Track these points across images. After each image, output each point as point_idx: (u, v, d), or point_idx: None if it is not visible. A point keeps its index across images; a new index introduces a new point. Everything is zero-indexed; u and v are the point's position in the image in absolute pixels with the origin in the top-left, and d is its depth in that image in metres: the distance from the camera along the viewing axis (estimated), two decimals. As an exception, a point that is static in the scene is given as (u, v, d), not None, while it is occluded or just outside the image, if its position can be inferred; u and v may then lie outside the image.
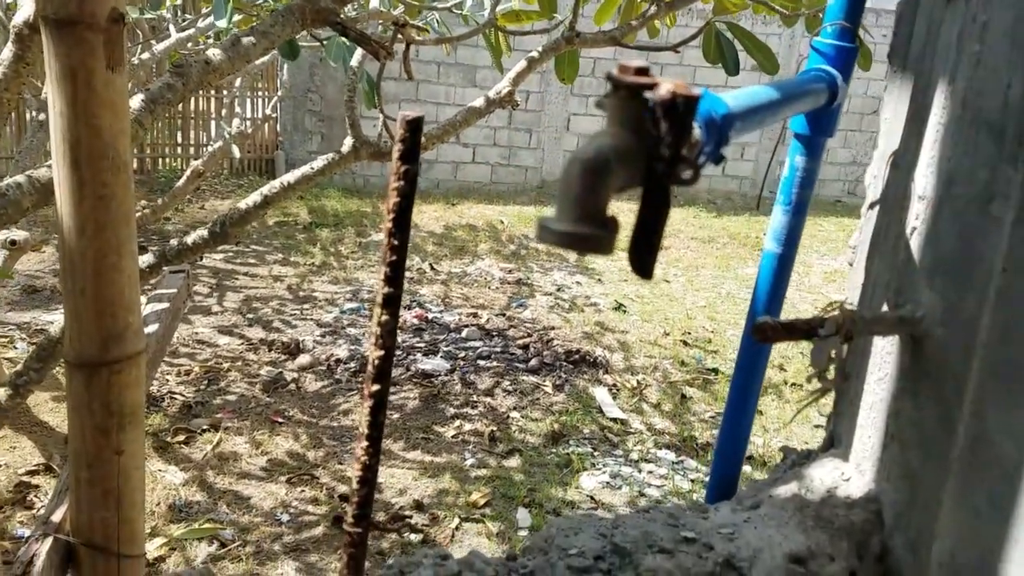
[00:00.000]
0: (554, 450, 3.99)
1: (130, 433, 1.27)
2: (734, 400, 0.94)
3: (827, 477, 0.58)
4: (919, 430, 0.52)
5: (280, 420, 4.08)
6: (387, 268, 0.45)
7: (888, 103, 0.60)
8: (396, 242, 0.44)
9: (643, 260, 0.31)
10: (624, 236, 0.31)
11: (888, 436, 0.55)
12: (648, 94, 0.29)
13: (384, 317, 0.46)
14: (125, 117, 1.22)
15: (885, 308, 0.54)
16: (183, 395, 4.24)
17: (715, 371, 5.06)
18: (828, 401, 0.67)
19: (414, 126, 0.42)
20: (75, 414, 1.26)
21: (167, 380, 4.39)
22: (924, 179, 0.53)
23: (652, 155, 0.29)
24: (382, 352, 0.47)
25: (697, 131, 0.33)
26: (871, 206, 0.58)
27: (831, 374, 0.57)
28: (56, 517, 1.30)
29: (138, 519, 1.33)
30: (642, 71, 0.29)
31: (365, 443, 0.49)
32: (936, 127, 0.52)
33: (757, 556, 0.52)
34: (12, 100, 1.86)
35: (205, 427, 3.94)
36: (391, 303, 0.46)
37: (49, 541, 1.24)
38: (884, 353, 0.55)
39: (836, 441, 0.60)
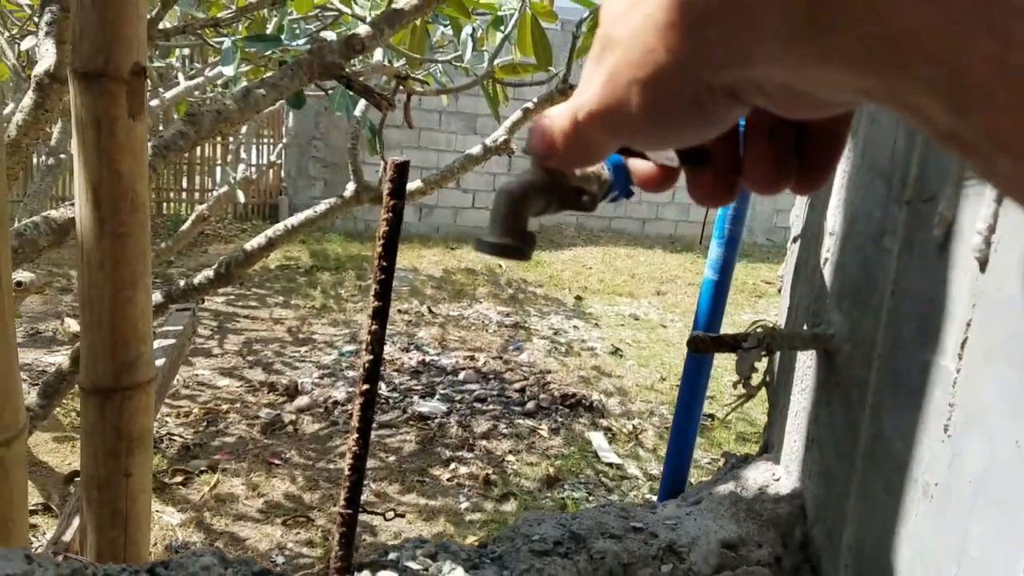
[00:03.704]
0: (549, 494, 4.02)
1: (138, 457, 1.34)
2: (681, 410, 1.04)
3: (760, 477, 0.66)
4: (832, 433, 0.60)
5: (277, 462, 4.12)
6: (376, 285, 0.55)
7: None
8: (385, 263, 0.53)
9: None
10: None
11: (809, 439, 0.63)
12: None
13: (374, 327, 0.55)
14: (144, 162, 1.32)
15: (805, 327, 0.63)
16: (182, 436, 4.29)
17: (711, 416, 5.09)
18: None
19: (401, 169, 0.51)
20: (88, 438, 1.33)
21: (166, 422, 4.44)
22: (833, 217, 0.62)
23: (562, 190, 0.40)
24: (371, 357, 0.56)
25: (606, 172, 0.42)
26: (794, 240, 0.68)
27: (755, 382, 0.66)
28: (67, 537, 1.36)
29: (144, 540, 1.39)
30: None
31: (356, 435, 0.58)
32: (842, 174, 0.61)
33: (695, 542, 0.60)
34: (31, 145, 1.97)
35: (203, 468, 3.98)
36: (380, 315, 0.55)
37: (59, 560, 1.30)
38: (805, 367, 0.63)
39: (769, 446, 0.68)
